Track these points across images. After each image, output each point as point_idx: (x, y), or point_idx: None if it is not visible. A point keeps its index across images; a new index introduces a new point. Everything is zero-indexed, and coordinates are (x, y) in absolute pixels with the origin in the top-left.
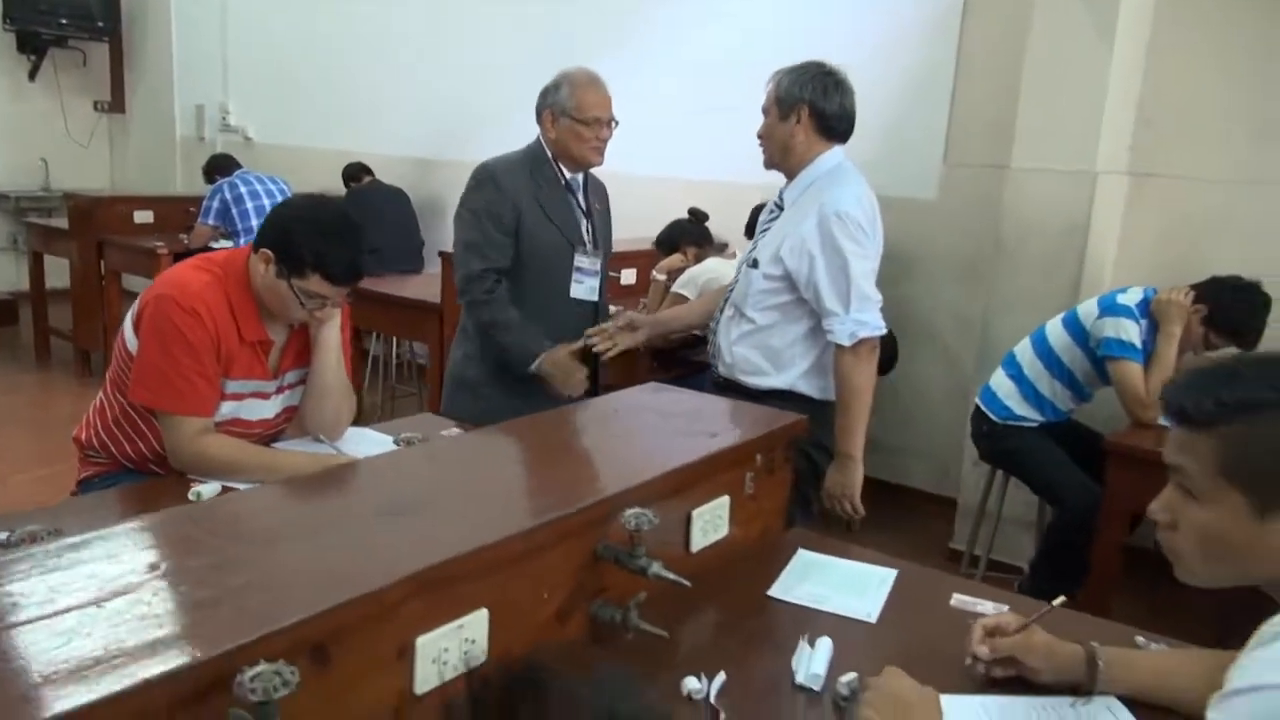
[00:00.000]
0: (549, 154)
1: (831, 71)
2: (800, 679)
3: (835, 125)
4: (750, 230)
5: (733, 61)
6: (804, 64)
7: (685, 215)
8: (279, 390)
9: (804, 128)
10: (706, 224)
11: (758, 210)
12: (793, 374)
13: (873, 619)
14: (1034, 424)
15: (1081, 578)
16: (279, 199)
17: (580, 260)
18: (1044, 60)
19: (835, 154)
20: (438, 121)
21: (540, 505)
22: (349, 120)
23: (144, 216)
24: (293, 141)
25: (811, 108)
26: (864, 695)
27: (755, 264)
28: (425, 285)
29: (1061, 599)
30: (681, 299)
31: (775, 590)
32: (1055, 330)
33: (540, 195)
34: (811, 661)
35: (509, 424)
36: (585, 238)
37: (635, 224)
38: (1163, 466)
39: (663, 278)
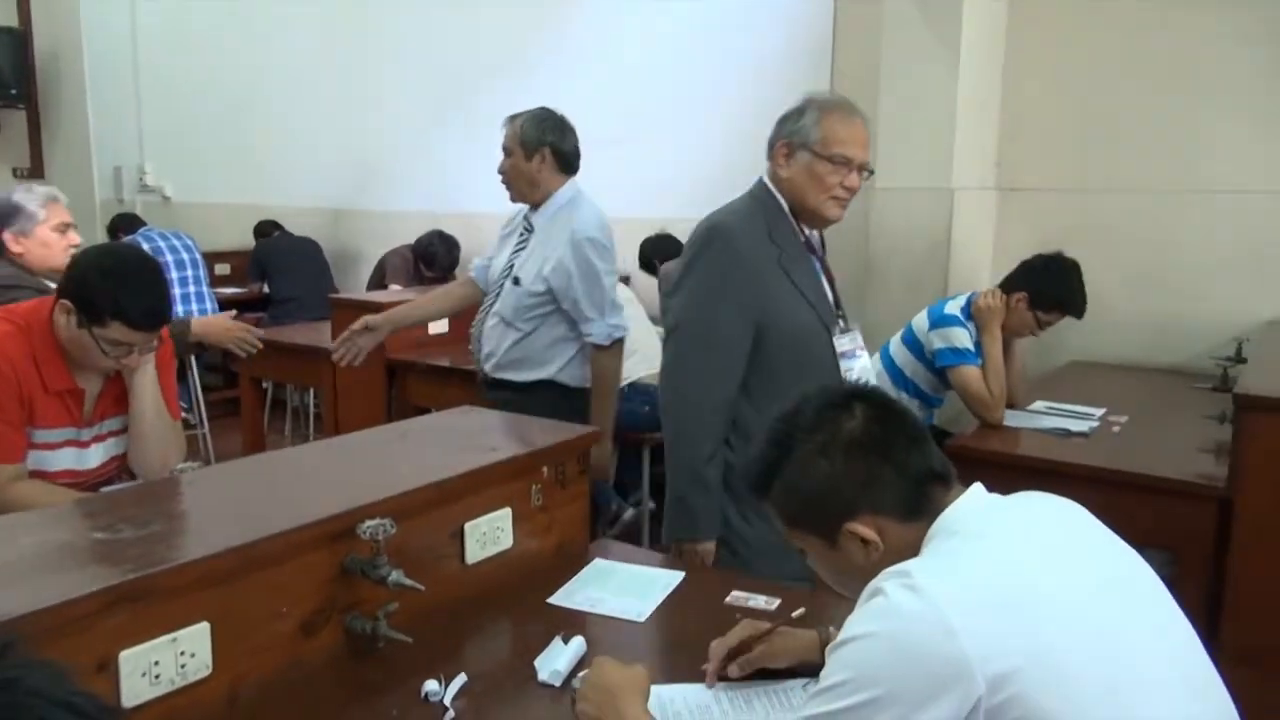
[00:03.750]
0: (783, 204)
1: (563, 117)
2: (543, 676)
3: (572, 162)
4: (648, 266)
5: (617, 98)
6: (538, 110)
7: None
8: (97, 439)
9: (547, 165)
10: None
11: (647, 242)
12: (554, 368)
13: (642, 618)
14: None
15: None
16: (183, 255)
17: (841, 343)
18: (896, 85)
19: (572, 185)
20: (347, 172)
21: (271, 521)
22: (263, 174)
23: None
24: (209, 198)
25: (553, 148)
26: (578, 688)
27: (518, 281)
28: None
29: (801, 610)
30: None
31: (556, 598)
32: (897, 346)
33: (784, 260)
34: (556, 659)
35: (290, 450)
36: (836, 312)
37: None
38: (1007, 466)
39: None
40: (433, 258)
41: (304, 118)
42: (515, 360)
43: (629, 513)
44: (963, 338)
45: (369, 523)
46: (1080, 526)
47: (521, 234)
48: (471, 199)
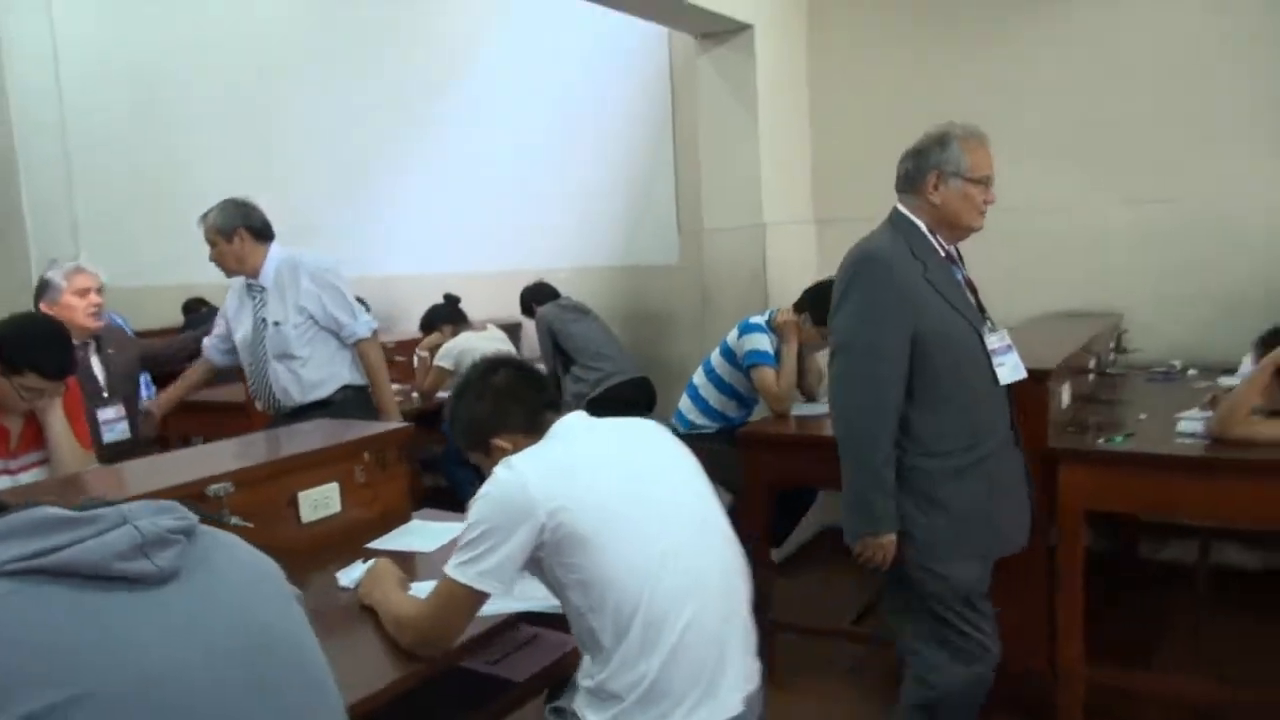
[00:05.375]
0: (921, 226)
1: (245, 199)
2: (342, 583)
3: (264, 231)
4: (527, 310)
5: (496, 166)
6: (222, 202)
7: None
8: (24, 468)
9: (246, 241)
10: (459, 305)
11: (526, 290)
12: (345, 374)
13: (429, 551)
14: (710, 430)
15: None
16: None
17: (991, 341)
18: (712, 138)
19: (275, 248)
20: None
21: (144, 486)
22: (189, 254)
23: None
24: (142, 282)
25: (245, 227)
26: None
27: (277, 324)
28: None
29: None
30: (444, 370)
31: (372, 544)
32: (717, 358)
33: (928, 274)
34: (353, 571)
35: (172, 452)
36: (982, 315)
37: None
38: (788, 444)
39: (425, 354)
40: None
41: (224, 195)
42: (316, 382)
43: None
44: (763, 342)
45: (215, 485)
46: (643, 435)
47: (255, 297)
48: (387, 262)
